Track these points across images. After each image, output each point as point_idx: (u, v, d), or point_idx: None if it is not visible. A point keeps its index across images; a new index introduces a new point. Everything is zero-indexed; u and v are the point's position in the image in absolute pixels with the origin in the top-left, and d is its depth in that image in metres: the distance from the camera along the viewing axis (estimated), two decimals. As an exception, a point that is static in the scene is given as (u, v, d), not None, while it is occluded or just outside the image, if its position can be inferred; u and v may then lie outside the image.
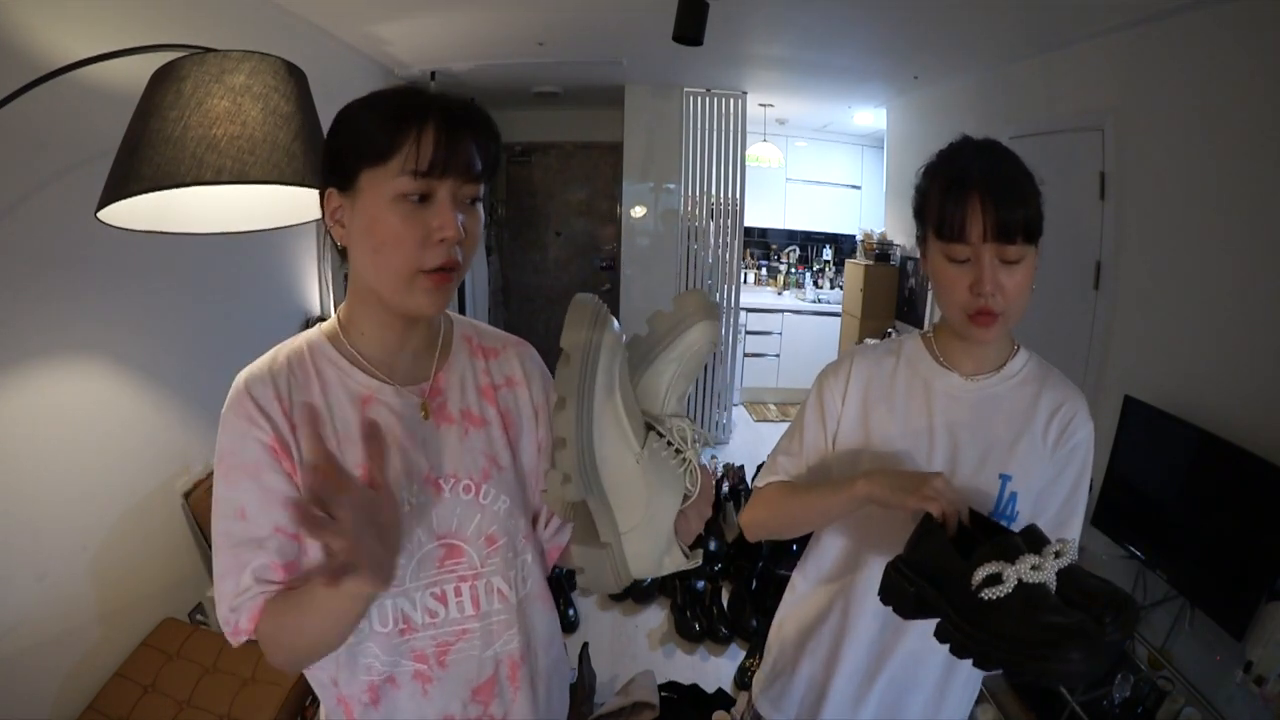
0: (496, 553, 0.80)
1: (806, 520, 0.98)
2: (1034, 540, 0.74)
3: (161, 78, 1.02)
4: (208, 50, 1.06)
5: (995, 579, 0.69)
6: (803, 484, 0.99)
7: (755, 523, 1.03)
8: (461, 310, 3.56)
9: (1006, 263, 0.82)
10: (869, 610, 0.96)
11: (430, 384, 0.79)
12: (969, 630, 0.70)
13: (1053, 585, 0.70)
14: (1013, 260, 0.82)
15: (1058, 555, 0.71)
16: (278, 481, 0.70)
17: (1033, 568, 0.69)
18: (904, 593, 0.77)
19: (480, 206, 0.74)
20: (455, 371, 0.82)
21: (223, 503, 0.71)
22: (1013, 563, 0.69)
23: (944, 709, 0.98)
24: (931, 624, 0.95)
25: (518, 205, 5.15)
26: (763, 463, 1.11)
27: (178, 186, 0.96)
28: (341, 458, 0.72)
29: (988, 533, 0.77)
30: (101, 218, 1.03)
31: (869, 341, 1.08)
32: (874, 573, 0.93)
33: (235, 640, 0.72)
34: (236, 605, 0.70)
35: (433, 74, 3.46)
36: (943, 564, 0.74)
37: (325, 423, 0.73)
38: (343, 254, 0.75)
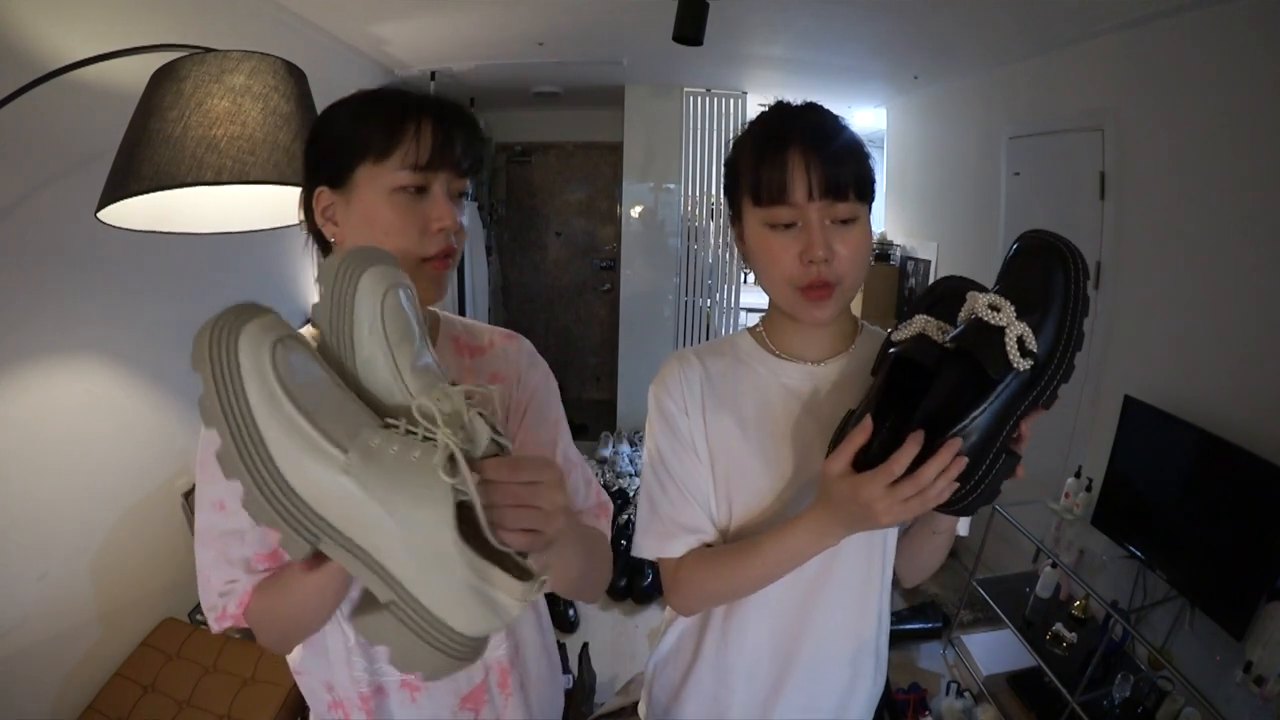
0: None
1: (764, 583, 0.78)
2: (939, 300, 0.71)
3: (161, 78, 1.02)
4: (208, 50, 1.06)
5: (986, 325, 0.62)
6: (738, 548, 0.79)
7: (691, 603, 0.84)
8: (461, 309, 3.56)
9: (838, 223, 0.72)
10: (751, 643, 0.85)
11: None
12: (1065, 360, 0.63)
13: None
14: (845, 220, 0.72)
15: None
16: None
17: (992, 307, 0.63)
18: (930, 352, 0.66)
19: (465, 201, 0.76)
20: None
21: (202, 497, 0.72)
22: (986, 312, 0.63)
23: None
24: (824, 647, 0.83)
25: (518, 205, 5.14)
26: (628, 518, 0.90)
27: (177, 187, 0.96)
28: None
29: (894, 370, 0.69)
30: (101, 218, 1.03)
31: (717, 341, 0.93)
32: (751, 604, 0.82)
33: (219, 626, 0.72)
34: (226, 591, 0.71)
35: (433, 74, 3.45)
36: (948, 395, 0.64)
37: None
38: (325, 251, 0.76)
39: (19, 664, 1.46)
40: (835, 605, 0.83)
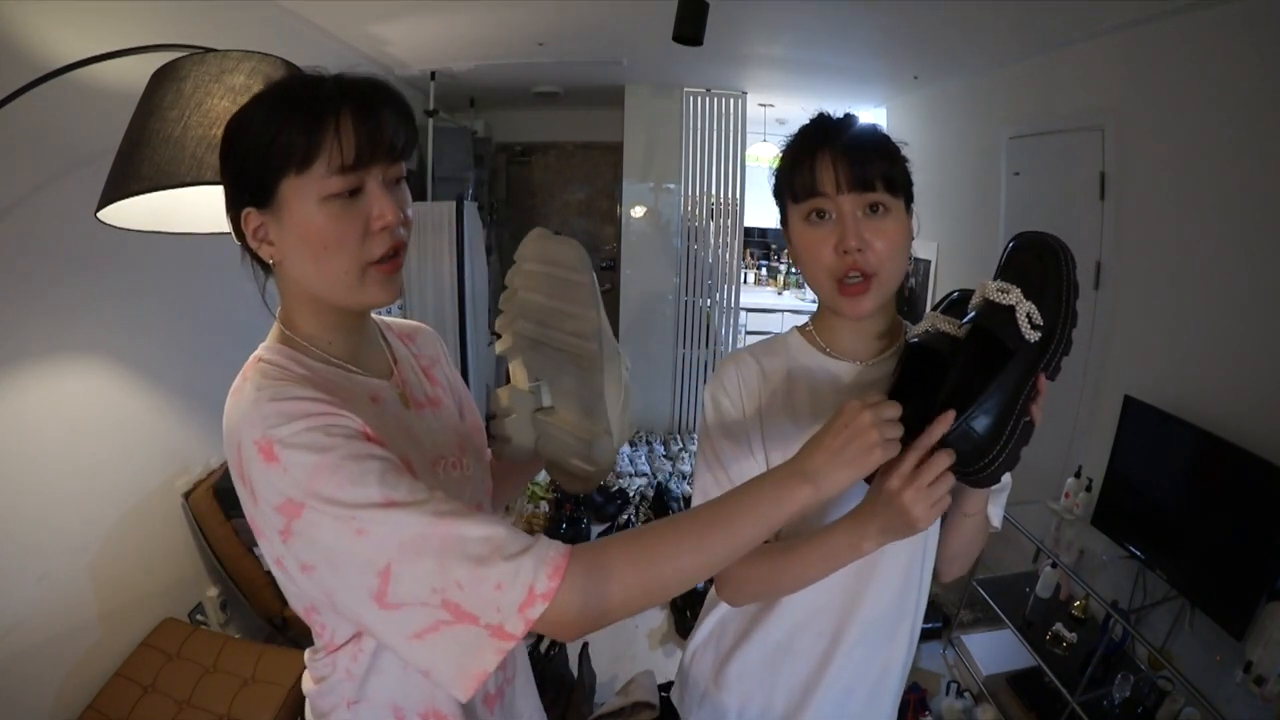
0: None
1: (803, 584, 0.82)
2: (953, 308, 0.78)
3: (161, 78, 1.02)
4: (208, 50, 1.06)
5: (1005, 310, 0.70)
6: (781, 547, 0.81)
7: (739, 598, 0.88)
8: (461, 309, 3.56)
9: (871, 215, 0.76)
10: (804, 628, 0.88)
11: (396, 375, 0.79)
12: (1065, 333, 0.71)
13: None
14: (878, 211, 0.76)
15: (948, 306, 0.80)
16: (386, 454, 0.60)
17: (998, 291, 0.72)
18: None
19: (405, 185, 0.70)
20: (403, 360, 0.82)
21: (373, 520, 0.55)
22: (990, 298, 0.71)
23: (880, 710, 0.93)
24: (868, 629, 0.87)
25: (518, 205, 5.14)
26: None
27: (178, 186, 0.96)
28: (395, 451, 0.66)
29: (922, 365, 0.77)
30: (101, 218, 1.03)
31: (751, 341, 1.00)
32: (805, 591, 0.84)
33: (528, 619, 0.54)
34: (521, 552, 0.55)
35: (433, 74, 3.46)
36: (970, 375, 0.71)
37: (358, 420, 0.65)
38: (266, 270, 0.71)
39: (19, 664, 1.46)
40: (880, 594, 0.86)
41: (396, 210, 0.66)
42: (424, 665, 0.56)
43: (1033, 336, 0.69)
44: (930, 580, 0.91)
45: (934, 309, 0.81)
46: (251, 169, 0.63)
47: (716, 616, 0.96)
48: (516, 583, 0.54)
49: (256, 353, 0.69)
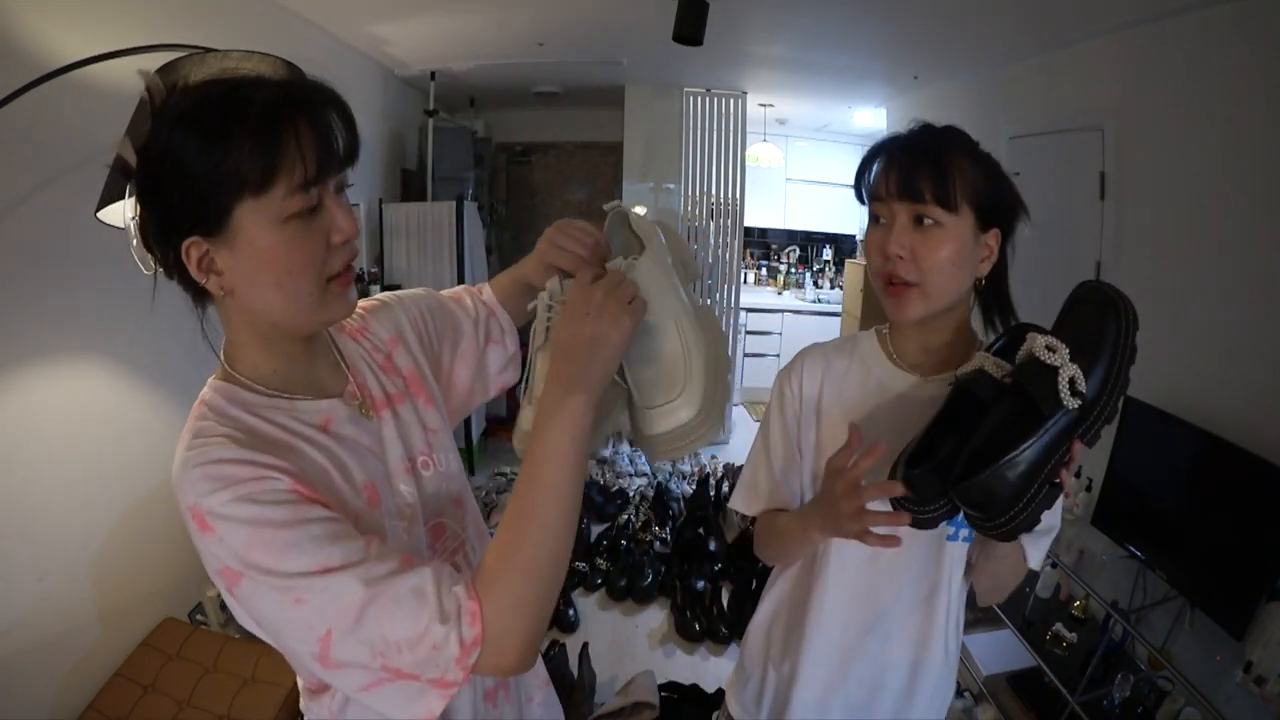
0: (462, 511, 0.81)
1: (793, 556, 0.96)
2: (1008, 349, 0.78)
3: (161, 78, 1.02)
4: (208, 50, 1.06)
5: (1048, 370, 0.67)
6: (779, 519, 0.94)
7: (765, 557, 0.99)
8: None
9: (920, 226, 0.77)
10: (827, 615, 0.91)
11: (351, 385, 0.74)
12: (1111, 402, 0.68)
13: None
14: (927, 224, 0.76)
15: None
16: (321, 513, 0.58)
17: (1046, 350, 0.68)
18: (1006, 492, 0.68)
19: (346, 192, 0.66)
20: (358, 365, 0.77)
21: (310, 589, 0.54)
22: (1036, 354, 0.68)
23: (914, 710, 0.94)
24: (890, 625, 0.90)
25: (518, 205, 5.15)
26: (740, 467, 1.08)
27: (178, 186, 0.96)
28: (346, 485, 0.66)
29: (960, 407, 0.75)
30: (101, 218, 1.03)
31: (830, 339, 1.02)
32: (829, 579, 0.91)
33: (463, 668, 0.56)
34: (449, 611, 0.55)
35: (433, 74, 3.46)
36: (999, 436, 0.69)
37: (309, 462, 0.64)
38: (201, 301, 0.66)
39: (19, 664, 1.46)
40: (897, 596, 0.89)
41: (354, 222, 0.63)
42: (377, 709, 0.58)
43: (1072, 403, 0.65)
44: (960, 607, 0.93)
45: (989, 347, 0.82)
46: (196, 195, 0.57)
47: (772, 600, 1.02)
48: (450, 641, 0.55)
49: (203, 391, 0.66)
